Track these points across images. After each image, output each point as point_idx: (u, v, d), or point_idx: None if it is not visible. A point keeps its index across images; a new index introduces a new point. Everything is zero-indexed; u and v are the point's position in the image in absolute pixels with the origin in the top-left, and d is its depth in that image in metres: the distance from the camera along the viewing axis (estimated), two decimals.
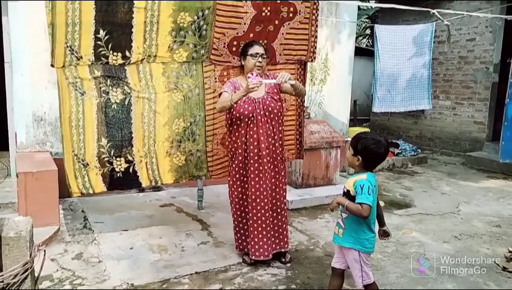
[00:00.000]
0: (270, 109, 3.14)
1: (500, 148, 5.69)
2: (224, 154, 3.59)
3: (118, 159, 3.26)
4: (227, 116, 3.28)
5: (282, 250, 3.31)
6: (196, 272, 3.11)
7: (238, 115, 3.12)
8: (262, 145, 3.10)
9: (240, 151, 3.16)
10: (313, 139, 5.14)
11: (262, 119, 3.12)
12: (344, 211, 2.42)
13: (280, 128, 3.26)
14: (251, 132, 3.11)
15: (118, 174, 3.29)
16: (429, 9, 2.51)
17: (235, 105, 3.06)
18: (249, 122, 3.11)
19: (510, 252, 3.59)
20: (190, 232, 3.86)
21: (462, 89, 7.97)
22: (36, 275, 1.88)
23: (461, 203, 5.04)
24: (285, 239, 3.32)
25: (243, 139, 3.14)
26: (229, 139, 3.28)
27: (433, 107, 7.50)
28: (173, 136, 3.42)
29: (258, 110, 3.12)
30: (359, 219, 2.36)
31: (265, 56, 3.17)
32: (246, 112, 3.10)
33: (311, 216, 4.48)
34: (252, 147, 3.11)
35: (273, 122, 3.16)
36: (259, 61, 3.11)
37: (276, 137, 3.19)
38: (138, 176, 3.34)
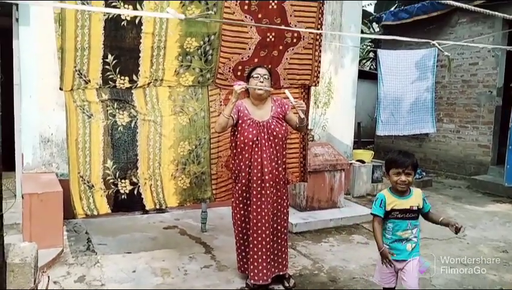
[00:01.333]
0: (274, 133, 3.16)
1: (505, 172, 5.66)
2: (229, 177, 3.60)
3: (122, 181, 3.29)
4: (232, 138, 3.30)
5: (281, 273, 3.27)
6: None
7: (242, 138, 3.14)
8: (266, 170, 3.11)
9: (243, 174, 3.17)
10: (317, 162, 5.14)
11: (267, 144, 3.13)
12: (414, 226, 2.66)
13: (284, 152, 3.28)
14: (255, 156, 3.12)
15: (123, 196, 3.30)
16: (429, 41, 2.55)
17: (227, 117, 3.08)
18: (254, 146, 3.13)
19: None
20: (193, 256, 3.83)
21: (465, 112, 7.98)
22: None
23: (467, 228, 4.98)
24: (284, 262, 3.29)
25: (247, 162, 3.15)
26: (233, 162, 3.29)
27: (437, 130, 7.51)
28: (178, 159, 3.45)
29: (263, 134, 3.13)
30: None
31: (267, 77, 3.18)
32: (251, 136, 3.12)
33: (316, 240, 4.44)
34: (255, 171, 3.12)
35: (277, 147, 3.18)
36: (260, 81, 3.14)
37: (279, 161, 3.20)
38: (142, 199, 3.35)
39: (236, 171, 3.24)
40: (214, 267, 3.63)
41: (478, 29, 7.61)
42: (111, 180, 3.25)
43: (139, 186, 3.33)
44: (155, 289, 3.19)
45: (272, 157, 3.15)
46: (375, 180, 6.47)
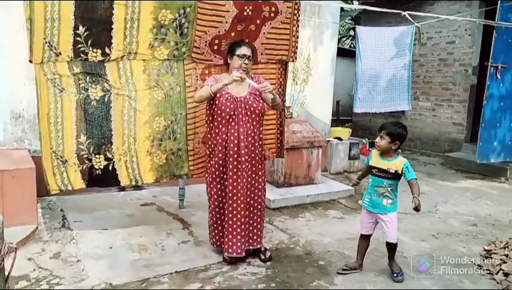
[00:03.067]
0: (252, 108, 3.15)
1: (477, 149, 5.82)
2: (206, 153, 3.58)
3: (97, 156, 3.24)
4: (208, 112, 3.27)
5: (252, 247, 3.31)
6: (176, 272, 3.10)
7: (219, 112, 3.12)
8: (242, 144, 3.11)
9: (219, 148, 3.16)
10: (294, 139, 5.17)
11: (244, 118, 3.12)
12: (389, 185, 3.06)
13: (261, 128, 3.28)
14: (232, 130, 3.11)
15: (97, 172, 3.27)
16: (400, 11, 2.54)
17: (213, 95, 3.08)
18: (230, 120, 3.12)
19: (485, 250, 3.68)
20: (171, 232, 3.84)
21: (441, 90, 8.11)
22: (6, 273, 1.84)
23: (439, 203, 5.14)
24: (257, 237, 3.32)
25: (224, 136, 3.14)
26: (209, 136, 3.27)
27: (413, 108, 7.61)
28: (154, 135, 3.40)
29: (240, 109, 3.12)
30: (398, 186, 3.11)
31: (251, 58, 3.20)
32: (228, 110, 3.10)
33: (293, 215, 4.51)
34: (232, 145, 3.11)
35: (254, 122, 3.17)
36: (245, 63, 3.15)
37: (256, 137, 3.20)
38: (117, 174, 3.31)
39: (212, 146, 3.22)
40: (191, 242, 3.65)
41: (456, 8, 7.67)
42: (85, 156, 3.20)
43: (113, 162, 3.28)
44: (132, 264, 3.19)
45: (249, 132, 3.15)
46: (352, 157, 6.56)
